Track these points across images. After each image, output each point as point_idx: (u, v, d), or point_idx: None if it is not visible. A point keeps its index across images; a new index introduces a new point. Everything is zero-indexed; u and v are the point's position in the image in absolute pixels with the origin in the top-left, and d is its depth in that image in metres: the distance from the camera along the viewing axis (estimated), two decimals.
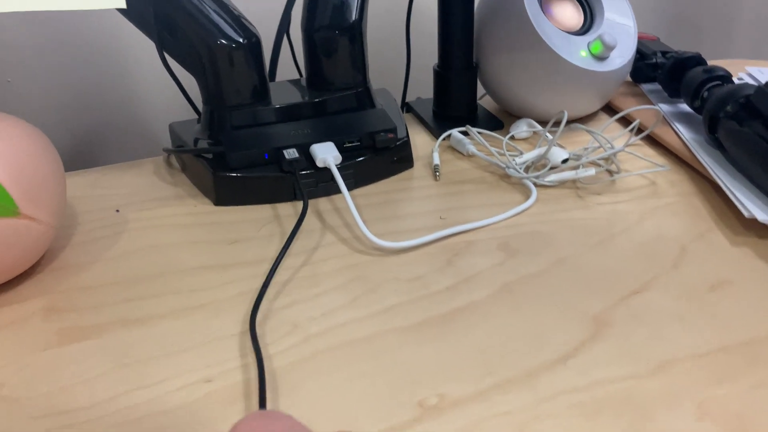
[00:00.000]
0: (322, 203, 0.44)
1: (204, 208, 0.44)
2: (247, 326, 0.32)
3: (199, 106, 0.48)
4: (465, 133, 0.50)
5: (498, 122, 0.54)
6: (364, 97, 0.48)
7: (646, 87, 0.57)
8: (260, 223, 0.42)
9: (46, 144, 0.36)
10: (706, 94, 0.46)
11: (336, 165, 0.42)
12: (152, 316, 0.34)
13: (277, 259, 0.36)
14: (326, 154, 0.43)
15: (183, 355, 0.31)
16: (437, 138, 0.50)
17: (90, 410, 0.28)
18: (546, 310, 0.33)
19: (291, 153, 0.43)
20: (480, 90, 0.56)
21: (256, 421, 0.17)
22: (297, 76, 0.54)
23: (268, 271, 0.36)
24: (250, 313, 0.33)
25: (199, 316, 0.34)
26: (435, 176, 0.46)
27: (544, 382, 0.29)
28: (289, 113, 0.46)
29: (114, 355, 0.31)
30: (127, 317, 0.34)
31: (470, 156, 0.49)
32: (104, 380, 0.30)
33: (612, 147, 0.45)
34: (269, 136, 0.44)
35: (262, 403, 0.27)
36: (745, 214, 0.38)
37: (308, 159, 0.43)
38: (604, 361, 0.30)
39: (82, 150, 0.62)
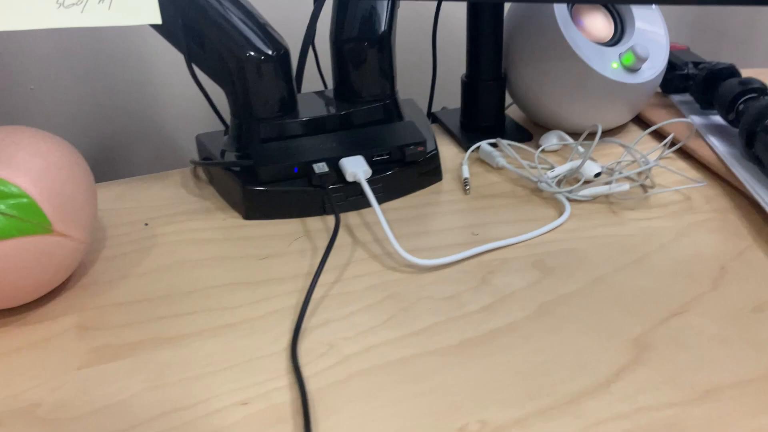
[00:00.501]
0: (351, 217, 0.44)
1: (233, 222, 0.44)
2: (282, 346, 0.32)
3: (226, 117, 0.47)
4: (494, 145, 0.49)
5: (527, 134, 0.53)
6: (392, 109, 0.48)
7: (676, 98, 0.56)
8: (290, 238, 0.41)
9: (77, 158, 0.36)
10: (741, 107, 0.45)
11: (366, 179, 0.42)
12: (185, 335, 0.34)
13: (314, 279, 0.36)
14: (356, 168, 0.42)
15: (218, 376, 0.31)
16: (465, 150, 0.50)
17: None
18: (585, 331, 0.33)
19: (321, 167, 0.42)
20: (507, 99, 0.56)
21: None
22: (321, 87, 0.53)
23: (305, 288, 0.36)
24: (284, 332, 0.33)
25: (233, 335, 0.33)
26: (465, 190, 0.46)
27: (588, 408, 0.28)
28: (318, 126, 0.46)
29: (148, 375, 0.31)
30: (159, 336, 0.34)
31: (500, 168, 0.48)
32: (139, 401, 0.29)
33: (646, 161, 0.44)
34: (298, 149, 0.44)
35: (307, 429, 0.27)
36: None
37: (337, 172, 0.43)
38: (648, 387, 0.29)
39: (105, 159, 0.62)
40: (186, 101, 0.60)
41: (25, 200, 0.32)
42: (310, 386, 0.30)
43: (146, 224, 0.44)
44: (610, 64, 0.47)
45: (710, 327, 0.33)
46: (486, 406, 0.28)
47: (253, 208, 0.43)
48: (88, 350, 0.33)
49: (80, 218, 0.35)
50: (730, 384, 0.29)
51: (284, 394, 0.29)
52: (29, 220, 0.32)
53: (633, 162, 0.45)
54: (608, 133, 0.53)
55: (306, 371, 0.31)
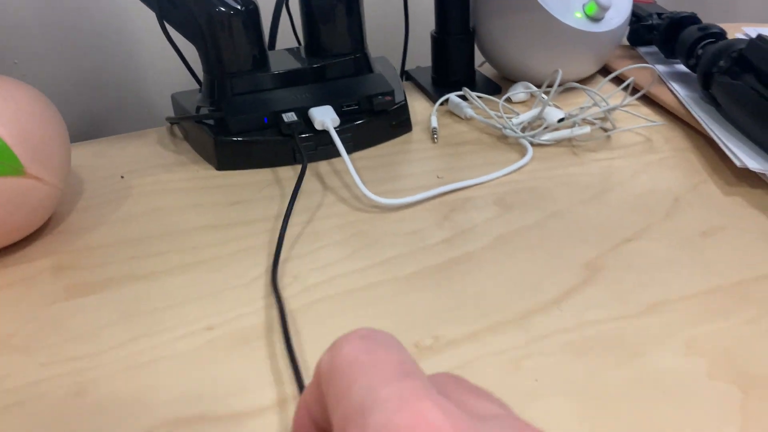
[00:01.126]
0: (321, 166, 0.45)
1: (206, 173, 0.45)
2: (249, 279, 0.33)
3: (201, 76, 0.49)
4: (463, 98, 0.50)
5: (496, 87, 0.54)
6: (362, 63, 0.49)
7: (643, 50, 0.57)
8: (261, 186, 0.43)
9: (49, 106, 0.37)
10: (700, 51, 0.47)
11: (334, 127, 0.43)
12: (157, 272, 0.35)
13: (286, 214, 0.37)
14: (324, 116, 0.43)
15: (187, 307, 0.32)
16: (435, 103, 0.51)
17: (96, 357, 0.29)
18: (540, 258, 0.34)
19: (290, 116, 0.44)
20: (479, 58, 0.57)
21: (359, 340, 0.16)
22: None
23: (275, 229, 0.37)
24: (252, 266, 0.34)
25: (202, 270, 0.35)
26: (433, 139, 0.47)
27: (536, 323, 0.30)
28: (288, 79, 0.47)
29: (120, 307, 0.32)
30: (132, 273, 0.35)
31: (468, 119, 0.49)
32: (111, 330, 0.31)
33: (607, 104, 0.45)
34: (269, 101, 0.45)
35: (287, 340, 0.28)
36: (737, 163, 0.38)
37: (307, 123, 0.44)
38: (596, 304, 0.31)
39: (88, 127, 0.63)
40: (166, 64, 0.61)
41: None
42: (274, 312, 0.31)
43: (122, 177, 0.45)
44: (573, 14, 0.48)
45: (660, 251, 0.34)
46: (440, 324, 0.30)
47: (225, 159, 0.44)
48: (63, 288, 0.34)
49: (53, 163, 0.36)
50: (675, 299, 0.31)
51: (248, 320, 0.31)
52: (2, 161, 0.33)
53: (595, 106, 0.46)
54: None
55: (272, 299, 0.32)
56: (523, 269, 0.33)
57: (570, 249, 0.34)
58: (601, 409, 0.25)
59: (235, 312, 0.31)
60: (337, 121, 0.43)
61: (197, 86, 0.52)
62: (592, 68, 0.53)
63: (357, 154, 0.46)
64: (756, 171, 0.37)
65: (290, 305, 0.32)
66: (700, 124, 0.43)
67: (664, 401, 0.25)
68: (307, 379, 0.27)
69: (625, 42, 0.58)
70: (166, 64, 0.60)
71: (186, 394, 0.27)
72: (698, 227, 0.36)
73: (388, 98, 0.46)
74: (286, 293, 0.32)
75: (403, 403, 0.13)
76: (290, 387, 0.27)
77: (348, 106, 0.46)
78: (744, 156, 0.38)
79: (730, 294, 0.31)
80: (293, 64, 0.48)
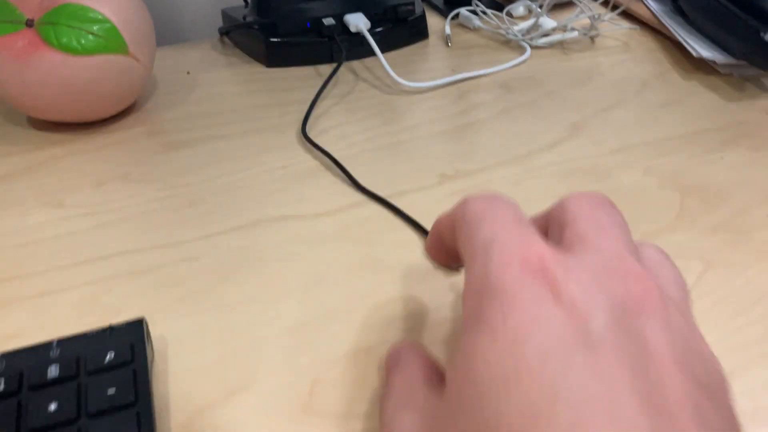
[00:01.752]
0: (355, 65, 0.54)
1: (258, 69, 0.54)
2: (294, 135, 0.43)
3: None
4: (473, 13, 0.59)
5: (499, 6, 0.63)
6: None
7: None
8: (306, 78, 0.51)
9: (141, 1, 0.45)
10: None
11: (366, 30, 0.52)
12: (230, 134, 0.44)
13: (324, 83, 0.46)
14: (358, 21, 0.52)
15: (261, 155, 0.41)
16: (448, 16, 0.60)
17: (198, 184, 0.38)
18: (536, 121, 0.43)
19: (329, 21, 0.52)
20: None
21: (484, 199, 0.20)
22: None
23: (314, 98, 0.46)
24: (298, 127, 0.44)
25: (266, 132, 0.44)
26: (447, 43, 0.56)
27: (532, 160, 0.39)
28: None
29: (208, 156, 0.41)
30: (211, 135, 0.44)
31: (476, 29, 0.58)
32: (205, 169, 0.40)
33: (592, 11, 0.54)
34: (310, 9, 0.54)
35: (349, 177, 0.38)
36: (694, 54, 0.47)
37: (343, 27, 0.53)
38: (577, 148, 0.40)
39: None
40: None
41: (108, 25, 0.42)
42: (326, 159, 0.40)
43: (188, 72, 0.53)
44: None
45: (629, 115, 0.43)
46: (459, 162, 0.39)
47: (274, 57, 0.53)
48: (160, 144, 0.43)
49: (147, 47, 0.45)
50: (638, 143, 0.40)
51: (312, 162, 0.40)
52: (112, 40, 0.42)
53: (582, 14, 0.55)
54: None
55: (328, 148, 0.41)
56: (522, 129, 0.43)
57: (560, 115, 0.44)
58: None
59: (300, 158, 0.41)
60: (368, 24, 0.52)
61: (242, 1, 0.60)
62: None
63: (383, 55, 0.54)
64: (707, 59, 0.47)
65: (348, 151, 0.41)
66: (668, 30, 0.52)
67: (627, 203, 0.35)
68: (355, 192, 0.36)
69: None
70: None
71: (273, 204, 0.36)
72: (659, 101, 0.45)
73: (410, 7, 0.54)
74: (338, 145, 0.42)
75: (517, 240, 0.17)
76: (348, 199, 0.36)
77: (376, 15, 0.54)
78: (700, 49, 0.48)
79: (678, 141, 0.40)
80: None
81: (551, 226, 0.20)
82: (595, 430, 0.13)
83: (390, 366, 0.22)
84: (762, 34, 0.43)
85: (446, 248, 0.23)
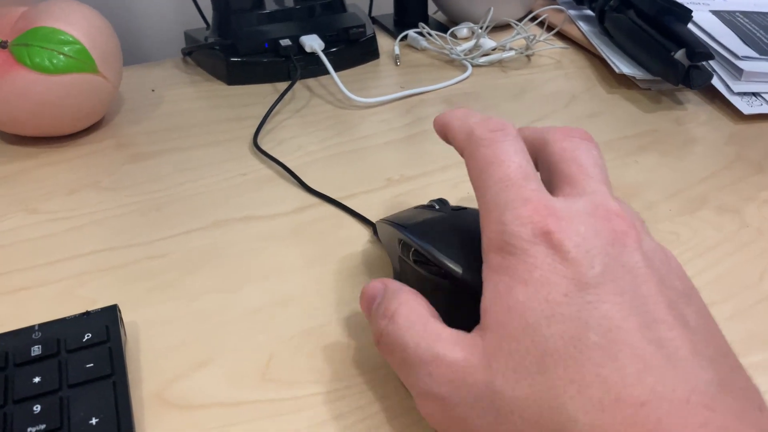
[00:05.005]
0: (311, 82, 0.58)
1: (219, 87, 0.57)
2: (265, 149, 0.46)
3: (205, 18, 0.60)
4: (420, 35, 0.64)
5: (445, 28, 0.68)
6: (338, 5, 0.62)
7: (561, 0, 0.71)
8: (264, 95, 0.55)
9: (107, 22, 0.49)
10: None
11: (321, 50, 0.56)
12: (195, 146, 0.47)
13: (277, 99, 0.50)
14: (313, 42, 0.56)
15: (224, 164, 0.45)
16: (398, 37, 0.64)
17: (164, 191, 0.42)
18: None
19: (286, 42, 0.56)
20: (432, 9, 0.70)
21: (494, 142, 0.23)
22: None
23: (268, 111, 0.50)
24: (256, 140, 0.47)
25: (228, 144, 0.47)
26: (396, 63, 0.60)
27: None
28: (282, 16, 0.59)
29: (173, 165, 0.45)
30: (176, 147, 0.47)
31: (423, 50, 0.63)
32: (169, 177, 0.43)
33: (527, 33, 0.59)
34: (268, 31, 0.58)
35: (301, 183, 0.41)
36: (616, 70, 0.53)
37: (299, 48, 0.57)
38: None
39: None
40: (171, 1, 0.73)
41: (78, 46, 0.45)
42: (291, 164, 0.44)
43: (153, 90, 0.57)
44: None
45: (558, 125, 0.48)
46: (405, 169, 0.43)
47: (234, 76, 0.57)
48: (128, 155, 0.46)
49: (114, 66, 0.48)
50: None
51: (272, 168, 0.44)
52: (81, 60, 0.45)
53: (519, 36, 0.60)
54: None
55: (284, 158, 0.45)
56: None
57: None
58: None
59: (259, 166, 0.44)
60: (323, 45, 0.56)
61: (203, 24, 0.64)
62: (520, 12, 0.67)
63: (337, 74, 0.59)
64: (629, 75, 0.52)
65: (302, 160, 0.45)
66: (596, 49, 0.58)
67: None
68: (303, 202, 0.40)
69: None
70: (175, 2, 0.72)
71: (234, 206, 0.40)
72: (586, 112, 0.50)
73: (361, 29, 0.59)
74: (294, 155, 0.45)
75: (526, 202, 0.21)
76: (303, 202, 0.40)
77: (329, 36, 0.58)
78: (622, 66, 0.53)
79: (601, 147, 0.45)
80: (282, 5, 0.60)
81: (541, 164, 0.25)
82: (613, 340, 0.18)
83: (370, 297, 0.25)
84: (672, 53, 0.49)
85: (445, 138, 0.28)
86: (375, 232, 0.35)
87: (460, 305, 0.24)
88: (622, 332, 0.18)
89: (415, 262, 0.27)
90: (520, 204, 0.21)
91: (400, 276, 0.30)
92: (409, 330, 0.23)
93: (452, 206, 0.31)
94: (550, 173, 0.24)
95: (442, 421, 0.22)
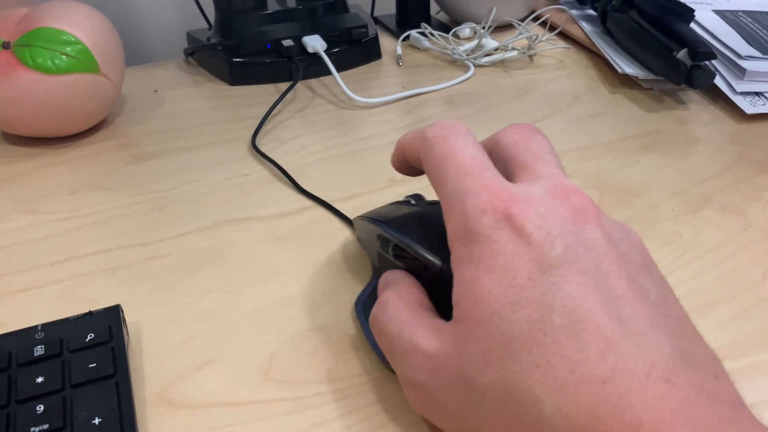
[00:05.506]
0: (313, 83, 0.58)
1: (222, 87, 0.57)
2: (267, 149, 0.46)
3: (207, 18, 0.61)
4: (422, 35, 0.64)
5: (447, 28, 0.68)
6: (341, 5, 0.62)
7: (563, 0, 0.71)
8: (266, 95, 0.55)
9: (109, 24, 0.49)
10: None
11: (323, 50, 0.56)
12: (197, 146, 0.47)
13: (276, 101, 0.50)
14: (315, 42, 0.56)
15: (224, 165, 0.45)
16: (400, 38, 0.64)
17: (167, 191, 0.42)
18: (477, 132, 0.48)
19: (288, 42, 0.56)
20: (434, 9, 0.70)
21: (444, 138, 0.24)
22: None
23: (267, 111, 0.50)
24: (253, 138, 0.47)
25: (228, 144, 0.47)
26: (398, 63, 0.60)
27: None
28: (284, 16, 0.59)
29: (176, 165, 0.45)
30: (178, 147, 0.47)
31: (425, 50, 0.63)
32: (172, 178, 0.43)
33: (531, 34, 0.59)
34: (270, 32, 0.58)
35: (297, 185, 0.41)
36: (619, 70, 0.53)
37: (301, 48, 0.57)
38: None
39: None
40: (174, 2, 0.73)
41: (80, 46, 0.45)
42: (292, 165, 0.44)
43: (155, 91, 0.57)
44: None
45: (561, 125, 0.48)
46: None
47: (237, 76, 0.57)
48: (130, 156, 0.46)
49: (117, 66, 0.48)
50: (566, 150, 0.45)
51: (272, 169, 0.44)
52: (84, 60, 0.45)
53: (521, 36, 0.60)
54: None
55: (285, 158, 0.45)
56: None
57: (498, 126, 0.48)
58: None
59: (261, 166, 0.44)
60: (325, 45, 0.56)
61: (197, 27, 0.64)
62: (522, 12, 0.67)
63: (339, 74, 0.59)
64: (631, 75, 0.52)
65: (305, 161, 0.45)
66: (598, 49, 0.58)
67: None
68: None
69: None
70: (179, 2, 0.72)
71: (235, 207, 0.40)
72: (589, 112, 0.50)
73: (364, 30, 0.59)
74: (297, 155, 0.45)
75: (483, 189, 0.21)
76: (304, 203, 0.40)
77: (332, 36, 0.58)
78: (624, 66, 0.53)
79: (603, 147, 0.45)
80: (285, 6, 0.60)
81: (495, 159, 0.25)
82: (576, 320, 0.19)
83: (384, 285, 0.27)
84: (675, 53, 0.49)
85: (407, 163, 0.28)
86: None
87: (440, 296, 0.24)
88: (584, 312, 0.19)
89: (395, 256, 0.28)
90: (478, 191, 0.22)
91: (379, 271, 0.30)
92: (395, 319, 0.24)
93: (428, 201, 0.32)
94: (505, 165, 0.25)
95: (425, 406, 0.23)
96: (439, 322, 0.23)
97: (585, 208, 0.21)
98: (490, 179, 0.22)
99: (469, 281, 0.21)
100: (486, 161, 0.23)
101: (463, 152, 0.23)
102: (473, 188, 0.22)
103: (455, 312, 0.22)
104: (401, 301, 0.24)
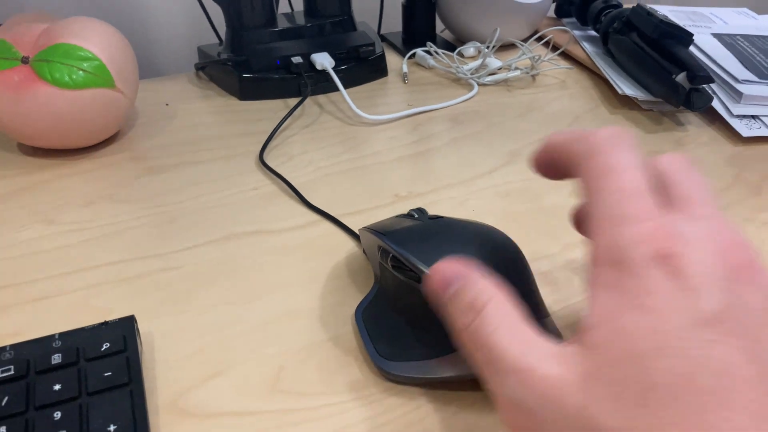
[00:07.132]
0: (321, 99, 0.59)
1: (232, 102, 0.59)
2: (276, 164, 0.48)
3: (220, 32, 0.62)
4: (427, 53, 0.65)
5: (452, 46, 0.69)
6: (349, 23, 0.63)
7: (565, 20, 0.73)
8: (275, 110, 0.57)
9: (124, 39, 0.50)
10: (603, 18, 0.62)
11: (331, 68, 0.57)
12: (208, 160, 0.49)
13: (284, 117, 0.51)
14: (323, 59, 0.58)
15: (234, 178, 0.46)
16: (406, 56, 0.66)
17: (178, 204, 0.43)
18: (480, 150, 0.49)
19: (297, 59, 0.58)
20: (440, 26, 0.72)
21: (612, 150, 0.22)
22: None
23: (276, 126, 0.51)
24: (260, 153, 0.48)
25: (239, 159, 0.49)
26: (404, 81, 0.62)
27: (475, 183, 0.45)
28: (293, 34, 0.61)
29: (187, 178, 0.46)
30: (190, 161, 0.49)
31: (430, 68, 0.64)
32: (184, 190, 0.45)
33: (533, 55, 0.61)
34: (280, 49, 0.59)
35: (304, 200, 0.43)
36: (619, 91, 0.54)
37: (310, 65, 0.58)
38: (514, 173, 0.46)
39: None
40: (185, 18, 0.74)
41: (97, 62, 0.46)
42: (301, 179, 0.45)
43: (167, 104, 0.58)
44: None
45: None
46: (413, 185, 0.45)
47: (247, 91, 0.58)
48: (142, 169, 0.48)
49: (131, 81, 0.49)
50: None
51: (280, 184, 0.45)
52: (100, 76, 0.46)
53: (524, 56, 0.62)
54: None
55: (295, 173, 0.46)
56: (468, 156, 0.48)
57: (500, 144, 0.50)
58: (512, 222, 0.40)
59: (270, 180, 0.46)
60: (333, 62, 0.58)
61: (208, 42, 0.66)
62: (526, 32, 0.68)
63: (346, 91, 0.60)
64: (631, 96, 0.53)
65: (311, 176, 0.46)
66: (599, 69, 0.59)
67: (555, 219, 0.40)
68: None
69: (552, 14, 0.73)
70: (189, 18, 0.73)
71: (245, 220, 0.41)
72: None
73: (371, 48, 0.60)
74: (304, 170, 0.47)
75: (646, 219, 0.20)
76: (312, 217, 0.41)
77: (339, 54, 0.60)
78: (624, 87, 0.54)
79: None
80: (295, 23, 0.62)
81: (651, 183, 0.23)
82: (726, 387, 0.17)
83: (444, 280, 0.24)
84: (674, 76, 0.50)
85: (552, 164, 0.26)
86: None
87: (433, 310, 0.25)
88: (738, 379, 0.17)
89: (393, 267, 0.30)
90: (639, 220, 0.20)
91: (381, 281, 0.32)
92: (498, 330, 0.21)
93: (430, 215, 0.33)
94: (663, 192, 0.22)
95: (526, 430, 0.20)
96: (558, 346, 0.20)
97: (751, 265, 0.20)
98: (653, 210, 0.20)
99: (613, 310, 0.19)
100: (647, 187, 0.21)
101: (628, 172, 0.21)
102: (634, 215, 0.20)
103: (587, 338, 0.20)
104: (501, 308, 0.22)
